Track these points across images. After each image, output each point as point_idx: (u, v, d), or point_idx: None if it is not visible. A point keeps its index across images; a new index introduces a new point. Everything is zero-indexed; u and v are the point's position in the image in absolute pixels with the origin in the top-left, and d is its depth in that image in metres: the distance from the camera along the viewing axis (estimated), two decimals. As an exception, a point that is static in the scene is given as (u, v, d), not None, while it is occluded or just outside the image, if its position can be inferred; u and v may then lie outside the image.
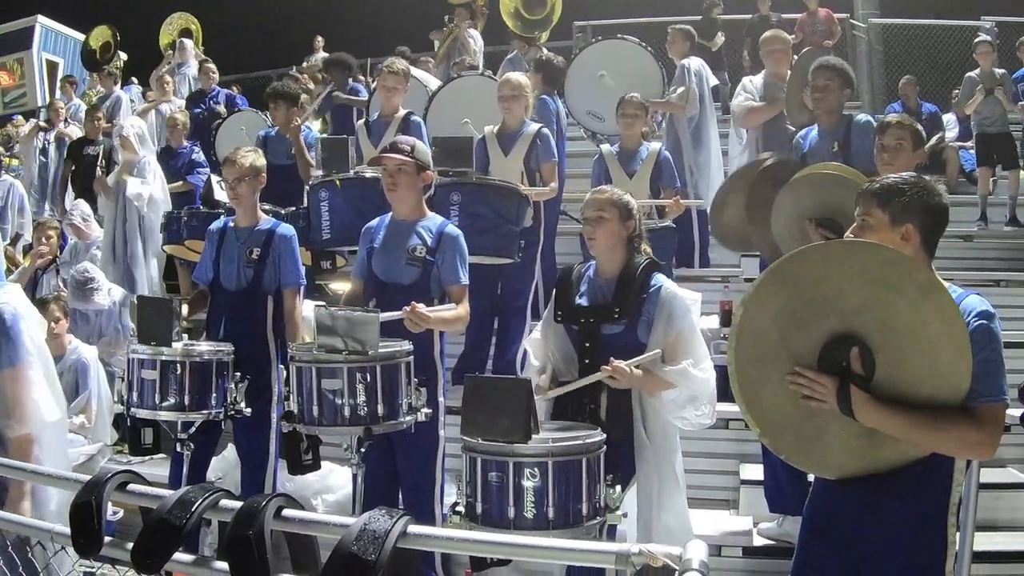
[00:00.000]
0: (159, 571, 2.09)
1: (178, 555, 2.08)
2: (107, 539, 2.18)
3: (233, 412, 4.91)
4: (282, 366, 4.85)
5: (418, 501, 4.76)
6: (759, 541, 5.18)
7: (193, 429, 4.86)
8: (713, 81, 9.22)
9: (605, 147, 7.48)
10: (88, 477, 2.28)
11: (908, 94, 11.69)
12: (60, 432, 4.48)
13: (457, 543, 2.05)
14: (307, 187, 7.33)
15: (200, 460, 5.12)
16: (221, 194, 6.99)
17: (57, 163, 11.81)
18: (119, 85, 13.25)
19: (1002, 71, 10.24)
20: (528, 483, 3.33)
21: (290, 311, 5.31)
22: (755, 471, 5.43)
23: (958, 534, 2.96)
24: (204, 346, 4.97)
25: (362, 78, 12.69)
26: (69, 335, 6.78)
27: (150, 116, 11.67)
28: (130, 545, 2.09)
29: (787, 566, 3.21)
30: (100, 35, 14.04)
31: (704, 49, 12.11)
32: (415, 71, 8.85)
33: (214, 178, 7.70)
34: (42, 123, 12.65)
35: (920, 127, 4.95)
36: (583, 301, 4.18)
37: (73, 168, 10.58)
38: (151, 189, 8.62)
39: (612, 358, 3.89)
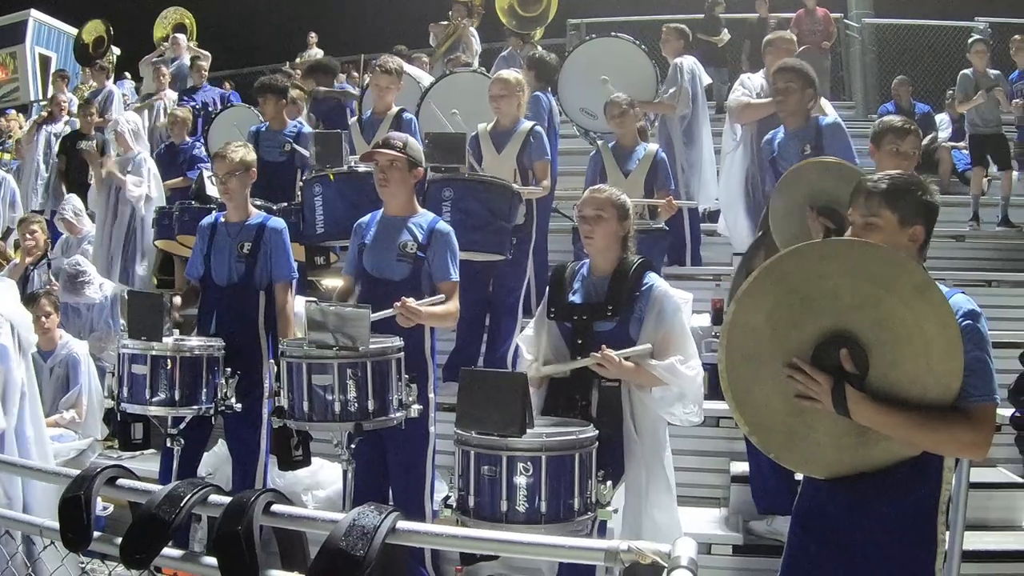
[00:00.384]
0: (148, 566, 2.09)
1: (167, 550, 2.07)
2: (97, 534, 2.18)
3: (223, 408, 4.91)
4: (272, 361, 4.84)
5: (408, 497, 4.75)
6: (749, 539, 5.18)
7: (183, 424, 4.86)
8: (706, 80, 9.23)
9: (602, 143, 7.50)
10: (77, 472, 2.28)
11: (901, 94, 11.70)
12: (37, 434, 4.49)
13: (446, 539, 2.05)
14: (301, 181, 7.34)
15: (190, 456, 5.10)
16: (213, 189, 6.98)
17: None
18: (111, 79, 13.22)
19: (996, 72, 10.26)
20: (521, 477, 3.36)
21: (282, 305, 5.30)
22: (745, 468, 5.42)
23: (948, 533, 2.96)
24: (194, 341, 4.96)
25: (355, 74, 12.69)
26: (60, 330, 6.77)
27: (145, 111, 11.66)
28: (119, 540, 2.08)
29: (777, 564, 3.21)
30: (93, 29, 13.99)
31: (710, 45, 12.15)
32: (409, 68, 8.83)
33: (206, 173, 7.69)
34: (44, 113, 12.59)
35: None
36: (576, 298, 4.21)
37: (66, 163, 10.55)
38: (145, 188, 8.61)
39: (603, 345, 3.92)
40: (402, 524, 1.92)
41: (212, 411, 4.89)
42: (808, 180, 4.74)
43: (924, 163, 9.93)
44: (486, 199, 5.99)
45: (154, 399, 4.69)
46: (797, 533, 3.12)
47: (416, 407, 4.46)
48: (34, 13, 19.88)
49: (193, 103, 11.38)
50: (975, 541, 4.69)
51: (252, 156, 5.43)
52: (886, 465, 2.83)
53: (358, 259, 4.92)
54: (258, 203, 5.96)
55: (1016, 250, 9.23)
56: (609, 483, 3.56)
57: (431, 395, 4.83)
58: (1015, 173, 10.03)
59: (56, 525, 2.22)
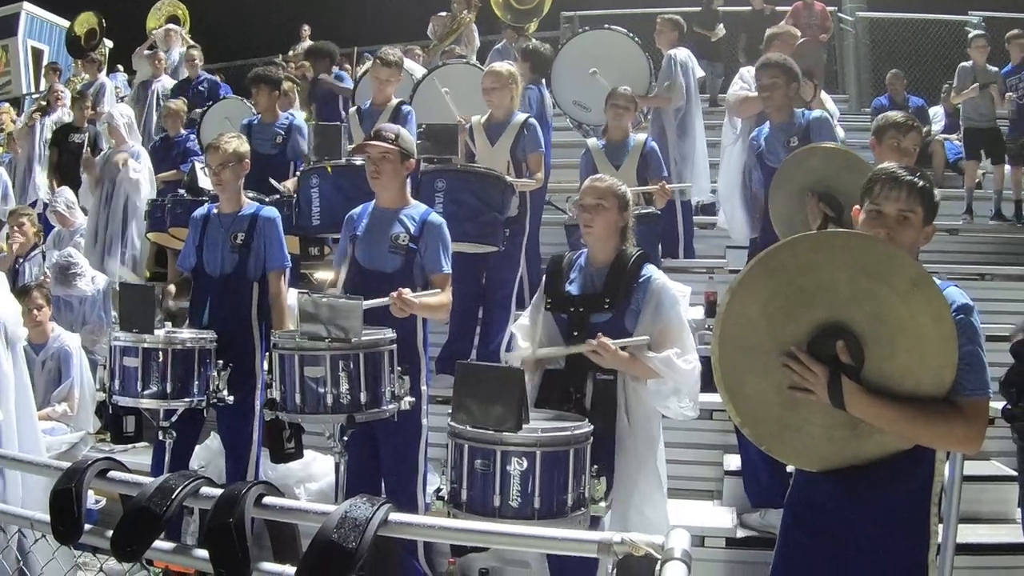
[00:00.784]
0: (139, 559, 2.08)
1: (159, 543, 2.06)
2: (88, 527, 2.17)
3: (216, 400, 4.90)
4: (264, 352, 4.83)
5: (400, 489, 4.75)
6: (742, 532, 5.18)
7: (175, 417, 4.85)
8: (699, 73, 9.22)
9: (592, 141, 7.47)
10: (68, 465, 2.26)
11: (896, 88, 11.70)
12: (27, 428, 4.47)
13: (439, 531, 2.03)
14: (298, 173, 7.34)
15: (183, 448, 5.10)
16: (205, 181, 6.96)
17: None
18: (103, 72, 13.17)
19: (995, 69, 10.27)
20: (515, 472, 3.32)
21: (275, 295, 5.30)
22: (739, 462, 5.44)
23: (941, 526, 2.96)
24: (186, 333, 4.95)
25: (348, 67, 12.65)
26: (52, 323, 6.75)
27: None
28: (110, 533, 2.07)
29: (770, 556, 3.20)
30: (85, 21, 13.94)
31: (703, 39, 12.14)
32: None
33: (198, 165, 7.67)
34: (44, 103, 12.53)
35: None
36: (573, 289, 4.18)
37: (57, 155, 10.51)
38: (140, 176, 8.60)
39: (600, 333, 3.89)
40: (394, 516, 1.91)
41: (204, 403, 4.88)
42: (812, 166, 4.74)
43: (919, 156, 9.96)
44: (479, 190, 5.98)
45: (146, 392, 4.68)
46: (790, 525, 3.12)
47: (408, 399, 4.45)
48: (26, 6, 19.81)
49: (189, 95, 11.35)
50: (968, 534, 4.70)
51: (245, 147, 5.41)
52: (879, 458, 2.82)
53: (350, 251, 4.90)
54: (251, 195, 5.94)
55: (1009, 243, 9.24)
56: (603, 478, 3.53)
57: (423, 387, 4.82)
58: (1007, 167, 10.03)
59: (47, 518, 2.21)
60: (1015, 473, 5.27)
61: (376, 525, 1.85)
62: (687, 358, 3.94)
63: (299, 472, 5.53)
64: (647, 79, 8.55)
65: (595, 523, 3.64)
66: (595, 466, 3.53)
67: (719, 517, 5.38)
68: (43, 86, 13.53)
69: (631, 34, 8.77)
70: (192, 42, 13.31)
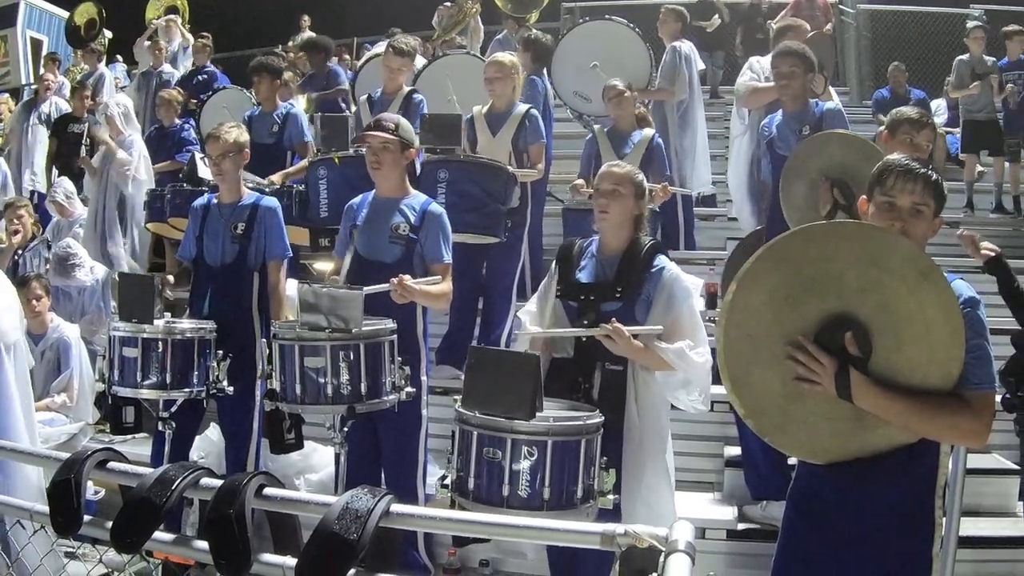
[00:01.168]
0: (139, 550, 2.07)
1: (159, 534, 2.05)
2: (87, 518, 2.16)
3: (215, 391, 4.89)
4: (263, 342, 4.81)
5: (400, 480, 4.74)
6: (743, 523, 5.18)
7: (175, 408, 4.84)
8: (700, 66, 9.21)
9: (597, 127, 7.47)
10: (67, 455, 2.25)
11: (897, 80, 11.69)
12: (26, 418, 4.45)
13: (440, 522, 2.02)
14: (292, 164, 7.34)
15: (182, 439, 5.07)
16: (205, 171, 6.94)
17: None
18: (103, 62, 13.15)
19: (992, 59, 10.24)
20: (524, 462, 3.26)
21: (275, 284, 5.28)
22: (740, 453, 5.43)
23: (944, 518, 2.94)
24: (186, 323, 4.94)
25: (347, 57, 12.64)
26: (51, 313, 6.73)
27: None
28: (110, 524, 2.06)
29: (771, 548, 3.18)
30: (85, 11, 13.91)
31: (698, 30, 12.13)
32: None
33: (197, 155, 7.65)
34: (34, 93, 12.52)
35: None
36: (584, 277, 4.13)
37: (57, 145, 10.49)
38: (134, 169, 8.57)
39: (614, 318, 3.84)
40: (396, 507, 1.90)
41: (204, 394, 4.87)
42: (829, 152, 4.72)
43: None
44: (482, 181, 5.96)
45: (145, 382, 4.66)
46: (792, 517, 3.10)
47: (408, 390, 4.44)
48: (25, -4, 19.80)
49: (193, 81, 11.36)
50: (969, 527, 4.68)
51: (245, 137, 5.39)
52: (883, 451, 2.80)
53: (349, 241, 4.89)
54: (250, 185, 5.93)
55: (1010, 236, 9.23)
56: (612, 471, 3.48)
57: (424, 378, 4.81)
58: (1006, 163, 10.02)
59: (46, 509, 2.20)
60: (1016, 466, 5.28)
61: (377, 516, 1.85)
62: (699, 351, 3.88)
63: (299, 463, 5.53)
64: (648, 70, 8.54)
65: (609, 515, 3.52)
66: (604, 458, 3.47)
67: (720, 509, 5.38)
68: (52, 75, 13.43)
69: (632, 25, 8.75)
70: (188, 34, 13.31)
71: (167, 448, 4.86)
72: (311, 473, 5.58)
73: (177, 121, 9.59)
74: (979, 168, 10.34)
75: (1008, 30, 10.21)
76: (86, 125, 10.00)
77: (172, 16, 13.77)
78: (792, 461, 3.24)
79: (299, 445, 4.64)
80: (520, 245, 6.69)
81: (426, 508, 2.26)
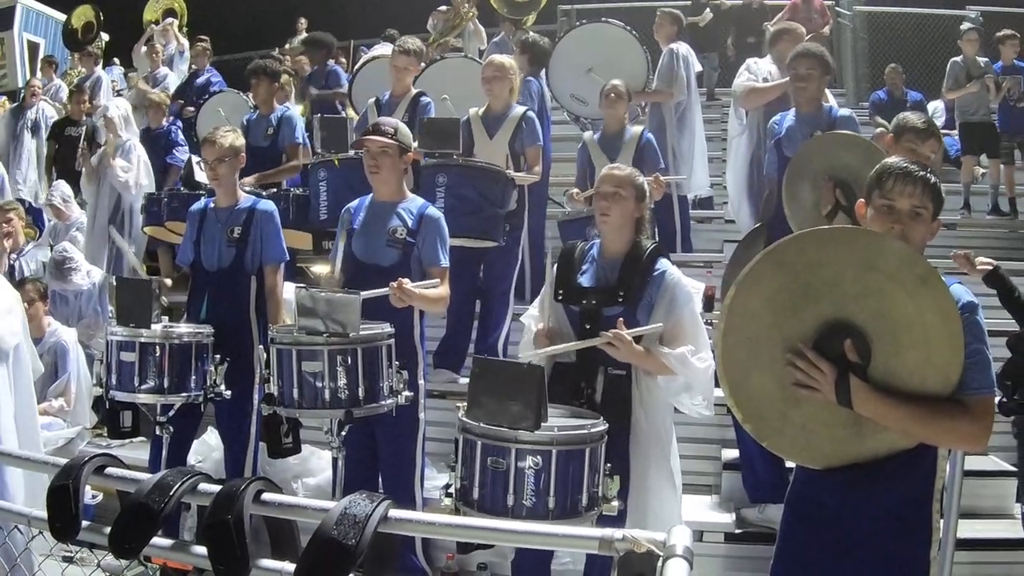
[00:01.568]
0: (137, 556, 2.07)
1: (157, 540, 2.05)
2: (85, 523, 2.16)
3: (213, 395, 4.89)
4: (260, 347, 4.81)
5: (398, 485, 4.74)
6: (740, 526, 5.18)
7: (172, 412, 4.83)
8: (697, 67, 9.22)
9: (587, 135, 7.49)
10: (65, 461, 2.25)
11: (894, 82, 11.69)
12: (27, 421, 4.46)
13: (439, 528, 2.03)
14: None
15: (180, 443, 5.08)
16: (202, 175, 6.94)
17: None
18: (100, 65, 13.15)
19: (986, 60, 10.25)
20: (529, 471, 3.24)
21: (271, 288, 5.28)
22: (737, 456, 5.43)
23: (942, 521, 2.95)
24: (183, 328, 4.93)
25: (344, 60, 12.63)
26: (48, 317, 6.73)
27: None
28: (108, 529, 2.06)
29: (769, 551, 3.19)
30: (83, 14, 13.92)
31: (693, 32, 12.13)
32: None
33: (194, 159, 7.65)
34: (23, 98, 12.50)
35: None
36: (585, 281, 4.12)
37: (55, 149, 10.49)
38: (135, 174, 8.56)
39: (620, 319, 3.83)
40: (394, 512, 1.90)
41: (202, 398, 4.87)
42: (835, 152, 4.72)
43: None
44: (480, 185, 5.95)
45: (143, 386, 4.67)
46: (790, 521, 3.10)
47: (406, 394, 4.44)
48: (22, -1, 19.79)
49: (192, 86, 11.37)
50: (967, 529, 4.69)
51: (241, 141, 5.39)
52: (882, 456, 2.81)
53: (347, 244, 4.88)
54: (247, 189, 5.93)
55: (1006, 238, 9.24)
56: (616, 477, 3.47)
57: (421, 382, 4.82)
58: (1002, 164, 10.03)
59: (44, 515, 2.20)
60: (1014, 468, 5.28)
61: (376, 522, 1.85)
62: (701, 356, 3.89)
63: (296, 467, 5.54)
64: (645, 73, 8.54)
65: (614, 522, 3.45)
66: (608, 464, 3.46)
67: (717, 512, 5.38)
68: (39, 79, 13.42)
69: (628, 27, 8.75)
70: (184, 39, 13.32)
71: (164, 452, 4.85)
72: (308, 477, 5.59)
73: (164, 123, 9.57)
74: (980, 170, 10.35)
75: (1001, 35, 10.20)
76: (83, 128, 9.99)
77: (170, 20, 13.77)
78: (790, 464, 3.23)
79: (296, 449, 4.63)
80: (517, 248, 6.68)
81: (424, 513, 2.26)
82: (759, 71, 7.14)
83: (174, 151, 9.24)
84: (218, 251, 5.24)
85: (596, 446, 3.40)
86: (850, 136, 5.04)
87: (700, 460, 5.77)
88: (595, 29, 8.98)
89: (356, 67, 10.30)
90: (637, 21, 9.82)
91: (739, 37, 13.06)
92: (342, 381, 4.15)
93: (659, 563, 1.66)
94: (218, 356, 4.91)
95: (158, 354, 4.67)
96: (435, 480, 5.16)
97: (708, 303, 6.65)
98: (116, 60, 15.19)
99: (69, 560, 3.54)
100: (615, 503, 3.46)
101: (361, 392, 4.19)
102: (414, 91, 7.21)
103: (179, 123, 9.82)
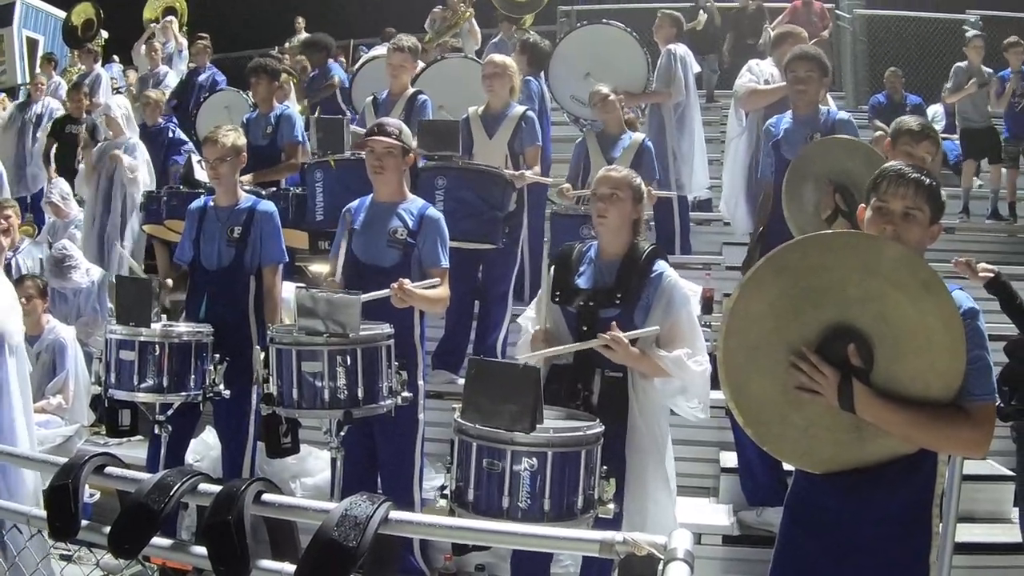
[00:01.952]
0: (137, 556, 2.07)
1: (156, 539, 2.05)
2: (84, 523, 2.16)
3: (212, 394, 4.89)
4: (258, 347, 4.80)
5: (397, 485, 4.74)
6: (739, 529, 5.18)
7: (171, 411, 4.83)
8: (696, 68, 9.21)
9: (588, 130, 7.49)
10: (65, 460, 2.25)
11: (894, 86, 11.69)
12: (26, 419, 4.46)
13: (440, 530, 2.02)
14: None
15: (178, 442, 5.08)
16: (201, 174, 6.93)
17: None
18: (99, 63, 13.14)
19: (990, 71, 10.26)
20: (524, 473, 3.22)
21: (269, 289, 5.27)
22: (736, 459, 5.43)
23: (941, 524, 2.95)
24: (183, 327, 4.93)
25: (343, 59, 12.61)
26: (47, 315, 6.72)
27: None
28: (107, 529, 2.06)
29: (767, 554, 3.19)
30: (83, 11, 13.93)
31: (691, 33, 12.14)
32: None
33: (194, 157, 7.64)
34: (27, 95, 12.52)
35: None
36: (582, 282, 4.11)
37: (55, 146, 10.48)
38: (142, 172, 8.56)
39: (614, 323, 3.82)
40: (395, 514, 1.90)
41: (200, 398, 4.87)
42: (836, 157, 4.72)
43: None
44: (480, 188, 5.95)
45: (142, 385, 4.66)
46: (789, 525, 3.10)
47: (405, 395, 4.44)
48: (21, -5, 19.77)
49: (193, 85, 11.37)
50: (964, 533, 4.69)
51: (242, 140, 5.38)
52: (883, 461, 2.81)
53: (347, 244, 4.88)
54: (247, 188, 5.92)
55: (1006, 243, 9.26)
56: (612, 480, 3.46)
57: (420, 382, 4.82)
58: (1004, 168, 10.05)
59: (43, 514, 2.20)
60: (1011, 472, 5.28)
61: (376, 523, 1.84)
62: (697, 359, 3.88)
63: (294, 467, 5.53)
64: (644, 74, 8.55)
65: (609, 525, 3.43)
66: (605, 467, 3.45)
67: (716, 515, 5.37)
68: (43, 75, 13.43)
69: (628, 29, 8.76)
70: (183, 38, 13.32)
71: (163, 451, 4.85)
72: (306, 477, 5.58)
73: (160, 120, 9.54)
74: (978, 181, 10.37)
75: (1007, 42, 10.21)
76: (83, 126, 9.98)
77: (169, 18, 13.77)
78: (788, 468, 3.23)
79: (295, 449, 4.63)
80: (516, 249, 6.68)
81: (424, 515, 2.26)
82: (761, 73, 7.12)
83: (180, 149, 9.20)
84: (218, 250, 5.23)
85: (592, 448, 3.39)
86: (851, 141, 5.04)
87: (699, 463, 5.78)
88: (595, 30, 8.98)
89: (356, 67, 10.30)
90: (637, 22, 9.82)
91: (736, 40, 13.07)
92: (341, 381, 4.15)
93: (660, 566, 1.66)
94: (217, 355, 4.91)
95: (157, 353, 4.67)
96: (434, 481, 5.16)
97: (707, 305, 6.68)
98: (115, 58, 15.18)
99: (68, 559, 3.54)
100: (611, 505, 3.44)
101: (360, 392, 4.19)
102: (411, 90, 7.20)
103: (175, 120, 9.79)
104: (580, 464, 3.33)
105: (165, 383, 4.69)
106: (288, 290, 5.51)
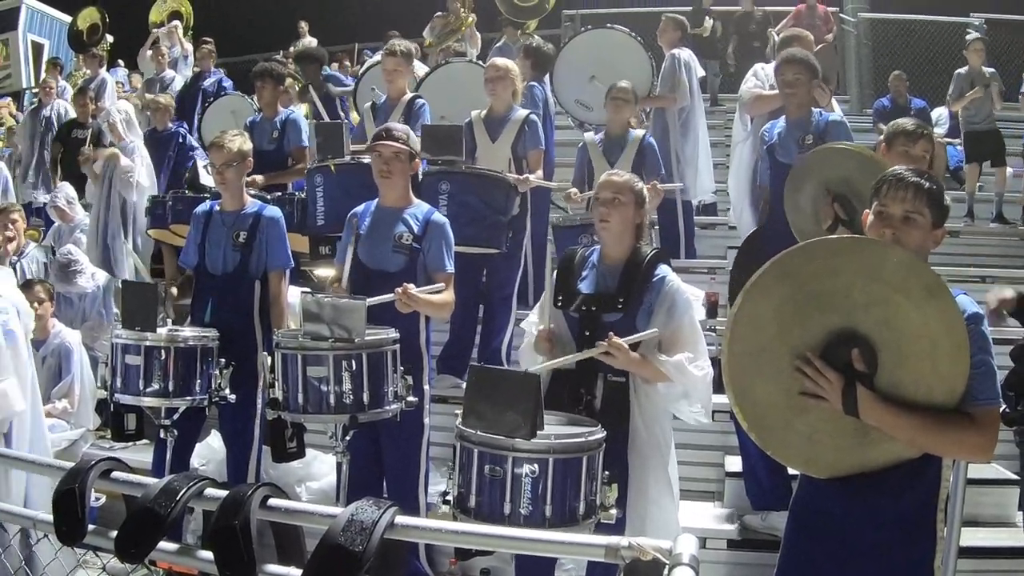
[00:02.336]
0: (143, 560, 2.07)
1: (163, 544, 2.06)
2: (91, 527, 2.16)
3: (217, 399, 4.89)
4: (264, 352, 4.81)
5: (402, 490, 4.75)
6: (744, 533, 5.17)
7: (177, 415, 4.84)
8: (700, 72, 9.21)
9: (588, 135, 7.49)
10: (71, 464, 2.26)
11: (898, 89, 11.69)
12: (34, 421, 4.48)
13: (445, 535, 2.02)
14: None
15: (184, 446, 5.09)
16: (207, 178, 6.94)
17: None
18: (104, 67, 13.17)
19: (991, 70, 10.26)
20: (526, 479, 3.22)
21: (275, 294, 5.28)
22: (740, 463, 5.42)
23: (945, 529, 2.95)
24: (188, 331, 4.94)
25: (348, 63, 12.61)
26: (53, 319, 6.73)
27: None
28: (113, 533, 2.06)
29: (772, 559, 3.19)
30: (88, 16, 13.95)
31: (696, 38, 12.13)
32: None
33: (200, 162, 7.65)
34: (35, 100, 12.54)
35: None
36: (585, 287, 4.11)
37: (62, 150, 10.50)
38: (136, 175, 8.56)
39: (611, 333, 3.82)
40: (401, 519, 1.90)
41: (206, 402, 4.88)
42: (836, 163, 4.73)
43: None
44: (483, 193, 5.95)
45: (148, 390, 4.67)
46: (794, 529, 3.11)
47: (411, 399, 4.45)
48: (27, 0, 19.79)
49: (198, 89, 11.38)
50: (969, 537, 4.68)
51: (248, 145, 5.38)
52: (887, 466, 2.81)
53: (352, 249, 4.89)
54: (252, 192, 5.92)
55: (1010, 246, 9.24)
56: (614, 485, 3.45)
57: (426, 387, 4.82)
58: (1009, 169, 10.03)
59: (50, 518, 2.20)
60: (1015, 476, 5.27)
61: (383, 528, 1.84)
62: (699, 364, 3.88)
63: (300, 471, 5.53)
64: (649, 78, 8.54)
65: (611, 529, 3.45)
66: (607, 472, 3.45)
67: (720, 519, 5.37)
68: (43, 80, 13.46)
69: (633, 33, 8.76)
70: (188, 43, 13.34)
71: (169, 455, 4.86)
72: (312, 481, 5.58)
73: (170, 125, 9.57)
74: (979, 185, 10.36)
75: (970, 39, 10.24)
76: (89, 131, 10.00)
77: (175, 22, 13.78)
78: (792, 472, 3.23)
79: (301, 453, 4.64)
80: (520, 253, 6.69)
81: (431, 520, 2.26)
82: (766, 77, 7.12)
83: (192, 154, 9.20)
84: (223, 255, 5.24)
85: (593, 454, 3.38)
86: (848, 148, 5.02)
87: (703, 467, 5.77)
88: (599, 35, 8.98)
89: (360, 72, 10.31)
90: (641, 27, 9.83)
91: (740, 45, 13.06)
92: (347, 386, 4.16)
93: (665, 571, 1.67)
94: (223, 360, 4.91)
95: (163, 357, 4.68)
96: (439, 485, 5.16)
97: (712, 309, 6.67)
98: (120, 62, 15.20)
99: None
100: (613, 511, 3.45)
101: (366, 397, 4.21)
102: (409, 94, 7.21)
103: (184, 125, 9.82)
104: (582, 470, 3.33)
105: (171, 387, 4.70)
106: (293, 295, 5.53)
